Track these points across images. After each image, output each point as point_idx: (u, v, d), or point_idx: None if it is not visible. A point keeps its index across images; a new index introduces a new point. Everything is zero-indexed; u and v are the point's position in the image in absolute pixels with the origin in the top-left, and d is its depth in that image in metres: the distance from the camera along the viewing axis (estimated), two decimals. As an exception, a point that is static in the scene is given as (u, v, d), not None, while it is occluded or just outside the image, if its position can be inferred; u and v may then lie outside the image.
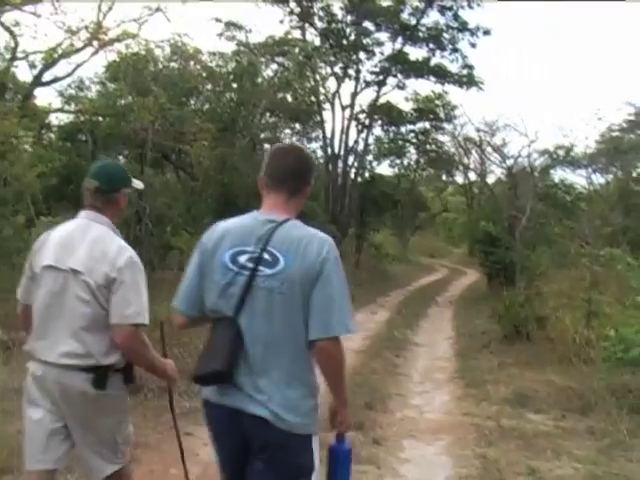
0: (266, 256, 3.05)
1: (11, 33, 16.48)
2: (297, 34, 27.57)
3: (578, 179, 43.84)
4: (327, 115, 29.14)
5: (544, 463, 6.58)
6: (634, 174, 35.57)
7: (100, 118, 18.62)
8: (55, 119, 21.11)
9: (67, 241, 3.67)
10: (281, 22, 28.30)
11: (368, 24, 28.67)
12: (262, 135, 22.84)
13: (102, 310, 3.57)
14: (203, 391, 3.25)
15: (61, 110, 19.78)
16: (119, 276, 3.55)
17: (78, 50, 16.41)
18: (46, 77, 17.11)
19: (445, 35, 28.58)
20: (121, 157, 22.32)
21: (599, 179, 38.38)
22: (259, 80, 20.18)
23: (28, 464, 3.74)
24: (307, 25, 28.50)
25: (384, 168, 37.18)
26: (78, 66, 17.11)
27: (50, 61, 16.17)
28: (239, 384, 3.06)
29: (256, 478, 3.14)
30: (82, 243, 3.63)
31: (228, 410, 3.11)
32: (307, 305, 3.00)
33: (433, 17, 28.76)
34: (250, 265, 3.07)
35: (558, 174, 28.31)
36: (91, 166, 3.93)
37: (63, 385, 3.58)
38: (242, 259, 3.09)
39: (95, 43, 16.46)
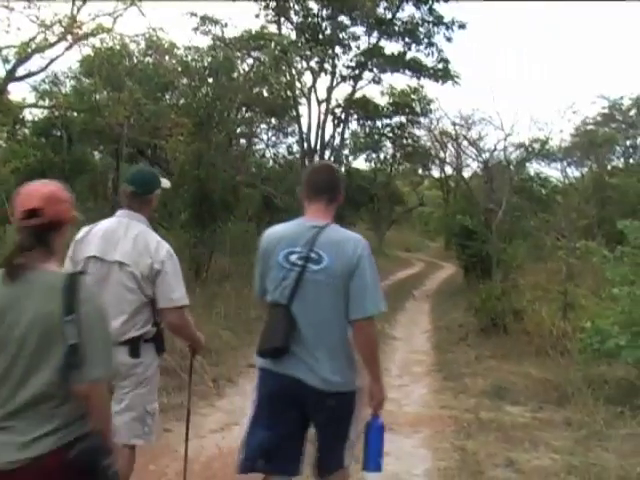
0: (312, 255, 3.80)
1: (-17, 27, 16.30)
2: (273, 28, 27.47)
3: (553, 172, 44.03)
4: (303, 109, 29.09)
5: (522, 454, 6.63)
6: (609, 167, 35.87)
7: (75, 113, 18.50)
8: (29, 114, 20.96)
9: (110, 236, 4.26)
10: (257, 16, 28.19)
11: (344, 18, 28.63)
12: (238, 130, 22.80)
13: (144, 297, 4.22)
14: (260, 362, 3.97)
15: (35, 105, 19.62)
16: (162, 267, 4.19)
17: (52, 44, 16.22)
18: (20, 72, 16.91)
19: (421, 29, 28.54)
20: (96, 152, 22.24)
21: (574, 172, 38.67)
22: (235, 75, 20.08)
23: None
24: (283, 19, 28.40)
25: (360, 162, 37.22)
26: (52, 61, 16.93)
27: (24, 56, 15.97)
28: (294, 357, 3.79)
29: (324, 433, 3.94)
30: (125, 239, 4.25)
31: (284, 378, 3.83)
32: (347, 293, 3.76)
33: (408, 11, 28.69)
34: (300, 263, 3.81)
35: (534, 167, 28.43)
36: (127, 172, 4.63)
37: None
38: (293, 258, 3.83)
39: (69, 37, 16.28)
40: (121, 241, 4.24)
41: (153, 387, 4.48)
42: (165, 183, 4.69)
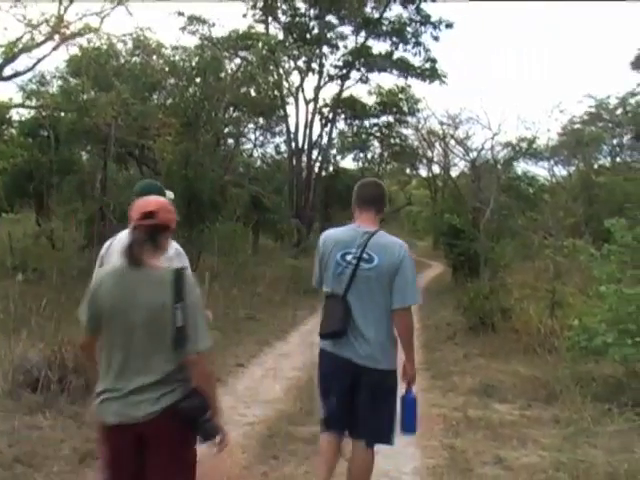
0: (365, 255, 4.64)
1: (-30, 27, 16.22)
2: (260, 28, 27.53)
3: (541, 171, 44.11)
4: (291, 109, 29.23)
5: (510, 452, 6.65)
6: (595, 166, 35.96)
7: (62, 113, 18.43)
8: (16, 114, 20.88)
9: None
10: (244, 16, 28.27)
11: (331, 18, 28.73)
12: (226, 130, 22.78)
13: None
14: (321, 344, 4.85)
15: (22, 105, 19.52)
16: (171, 264, 4.40)
17: (39, 44, 16.14)
18: (6, 72, 16.84)
19: (408, 29, 28.68)
20: (84, 153, 22.17)
21: (561, 171, 38.75)
22: (222, 74, 20.08)
23: None
24: (270, 19, 28.46)
25: (348, 162, 37.24)
26: (39, 60, 16.85)
27: (10, 55, 15.88)
28: (348, 340, 4.65)
29: (366, 401, 4.72)
30: None
31: (339, 358, 4.71)
32: (391, 287, 4.61)
33: (396, 10, 28.86)
34: (354, 262, 4.66)
35: (521, 166, 28.49)
36: (135, 186, 5.27)
37: None
38: (348, 257, 4.69)
39: (56, 37, 16.19)
40: None
41: None
42: (169, 194, 5.23)
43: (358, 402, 4.75)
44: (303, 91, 29.02)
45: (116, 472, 3.55)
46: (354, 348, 4.66)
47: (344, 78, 29.96)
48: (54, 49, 16.62)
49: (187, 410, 3.45)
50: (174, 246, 4.93)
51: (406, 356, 4.83)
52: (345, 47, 29.66)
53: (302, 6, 28.45)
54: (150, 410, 3.43)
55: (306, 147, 29.32)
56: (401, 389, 4.97)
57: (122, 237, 4.71)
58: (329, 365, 4.84)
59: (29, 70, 17.41)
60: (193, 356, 3.49)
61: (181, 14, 24.25)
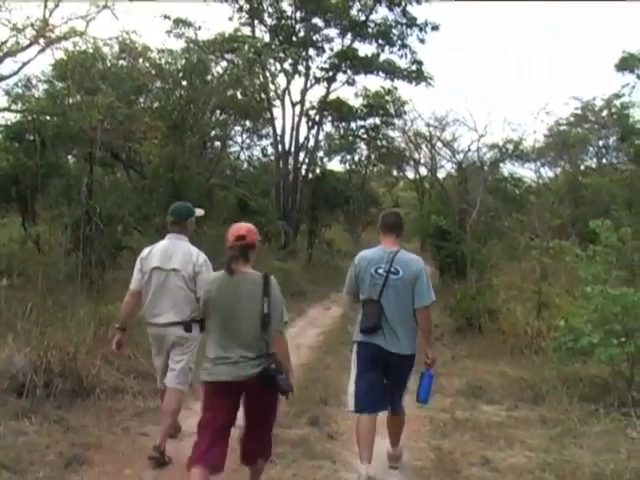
0: (392, 269, 6.10)
1: (-46, 31, 16.17)
2: (246, 31, 27.49)
3: (527, 172, 44.24)
4: (277, 112, 29.08)
5: (497, 453, 6.68)
6: (582, 167, 36.04)
7: (48, 117, 18.35)
8: (1, 118, 20.76)
9: (165, 252, 6.49)
10: (230, 19, 28.25)
11: (317, 20, 28.70)
12: (212, 133, 22.73)
13: (190, 292, 6.38)
14: (359, 337, 6.25)
15: (7, 109, 19.41)
16: (200, 270, 6.38)
17: (24, 48, 16.05)
18: (-8, 76, 16.78)
19: (394, 31, 28.64)
20: (70, 157, 22.07)
21: (548, 172, 38.81)
22: (209, 77, 19.99)
23: (160, 384, 6.69)
24: (256, 22, 28.44)
25: (335, 164, 37.15)
26: (24, 64, 16.75)
27: (-5, 59, 15.83)
28: (381, 333, 6.08)
29: (395, 380, 6.26)
30: (175, 253, 6.47)
31: (374, 347, 6.10)
32: (413, 291, 6.07)
33: (382, 13, 28.82)
34: (384, 274, 6.11)
35: (507, 168, 28.54)
36: (170, 207, 6.83)
37: (168, 334, 6.44)
38: (380, 271, 6.13)
39: (41, 41, 16.14)
40: (174, 255, 6.46)
41: (195, 352, 6.58)
42: (199, 212, 6.98)
43: (382, 381, 6.21)
44: (289, 93, 29.02)
45: (217, 412, 5.10)
46: (385, 339, 6.09)
47: (330, 80, 29.94)
48: (39, 53, 16.56)
49: (272, 372, 4.99)
50: (203, 256, 6.52)
51: (427, 343, 6.34)
52: (331, 49, 29.62)
53: (288, 9, 28.42)
54: (251, 372, 5.02)
55: (293, 149, 29.29)
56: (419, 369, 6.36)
57: (160, 245, 6.61)
58: (367, 353, 6.20)
59: (14, 74, 17.32)
60: (275, 334, 5.13)
61: (167, 17, 24.21)
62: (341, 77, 30.33)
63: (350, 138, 34.59)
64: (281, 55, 27.31)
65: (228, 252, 5.21)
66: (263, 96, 26.83)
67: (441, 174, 33.96)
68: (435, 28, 28.54)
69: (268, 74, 27.13)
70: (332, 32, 29.28)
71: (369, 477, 5.76)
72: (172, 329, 6.40)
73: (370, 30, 28.77)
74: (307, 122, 30.34)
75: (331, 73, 29.85)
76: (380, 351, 6.09)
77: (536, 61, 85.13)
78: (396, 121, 33.04)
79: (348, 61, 29.53)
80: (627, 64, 20.99)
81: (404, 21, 28.40)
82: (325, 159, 35.56)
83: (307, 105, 30.00)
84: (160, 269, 6.42)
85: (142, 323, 7.76)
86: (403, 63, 29.30)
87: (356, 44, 29.48)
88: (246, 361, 5.04)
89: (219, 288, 5.19)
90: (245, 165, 33.21)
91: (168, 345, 6.48)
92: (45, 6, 15.78)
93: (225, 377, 5.05)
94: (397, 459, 6.56)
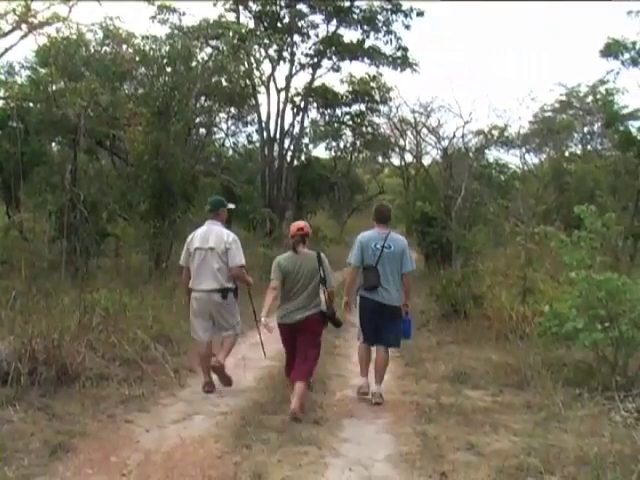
0: (386, 245, 8.27)
1: None
2: (231, 17, 27.39)
3: (512, 159, 44.40)
4: (262, 98, 29.05)
5: (482, 437, 6.70)
6: (566, 153, 36.14)
7: (31, 104, 18.23)
8: (-16, 105, 20.60)
9: (203, 235, 8.47)
10: (215, 5, 28.09)
11: (302, 6, 28.58)
12: (197, 119, 22.62)
13: (224, 264, 8.32)
14: (362, 292, 8.40)
15: (-10, 96, 19.30)
16: (229, 246, 8.34)
17: (6, 34, 15.99)
18: (-26, 62, 16.67)
19: (379, 17, 28.58)
20: (54, 144, 21.94)
21: (533, 159, 38.91)
22: (193, 64, 19.86)
23: (198, 338, 8.59)
24: (241, 8, 28.31)
25: (320, 151, 37.27)
26: (7, 50, 16.70)
27: (-23, 45, 15.71)
28: (380, 290, 8.21)
29: (388, 325, 8.28)
30: (211, 235, 8.42)
31: (373, 301, 8.26)
32: (400, 261, 8.29)
33: (367, -2, 28.73)
34: (380, 248, 8.26)
35: (493, 154, 28.60)
36: (208, 200, 9.04)
37: (210, 299, 8.34)
38: (377, 246, 8.28)
39: (24, 26, 16.06)
40: (210, 237, 8.45)
41: (235, 312, 8.65)
42: (230, 205, 9.10)
43: (381, 325, 8.35)
44: (274, 80, 28.99)
45: (287, 344, 8.02)
46: (381, 295, 8.31)
47: (315, 67, 29.90)
48: (22, 38, 16.47)
49: (328, 313, 7.90)
50: (232, 236, 8.53)
51: (407, 298, 8.57)
52: (316, 36, 29.58)
53: (272, -5, 28.32)
54: (308, 314, 7.80)
55: (278, 136, 29.27)
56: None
57: (201, 230, 8.59)
58: (367, 305, 8.41)
59: (-4, 60, 17.22)
60: (329, 289, 7.93)
61: (151, 3, 24.05)
62: (326, 63, 30.36)
63: (335, 125, 34.60)
64: (266, 41, 27.22)
65: (292, 239, 8.04)
66: (248, 82, 26.74)
67: (426, 160, 34.01)
68: (420, 14, 28.51)
69: (253, 60, 27.05)
70: (317, 18, 29.23)
71: (368, 383, 8.43)
72: (212, 295, 8.36)
73: (355, 16, 28.70)
74: (292, 109, 30.36)
75: (316, 59, 29.81)
76: (377, 304, 8.31)
77: (521, 47, 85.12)
78: (381, 108, 33.13)
79: (333, 47, 29.51)
80: (612, 50, 20.90)
81: (389, 7, 28.33)
82: (310, 146, 35.65)
83: (292, 92, 30.04)
84: (200, 249, 8.42)
85: (127, 312, 10.16)
86: (388, 49, 29.30)
87: (341, 30, 29.46)
88: (304, 308, 7.82)
89: (289, 262, 7.91)
90: (230, 152, 33.15)
91: (210, 308, 8.42)
92: (27, -9, 15.65)
93: (290, 321, 7.85)
94: (379, 396, 8.21)
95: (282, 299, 7.89)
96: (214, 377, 8.53)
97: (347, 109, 33.77)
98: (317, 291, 7.81)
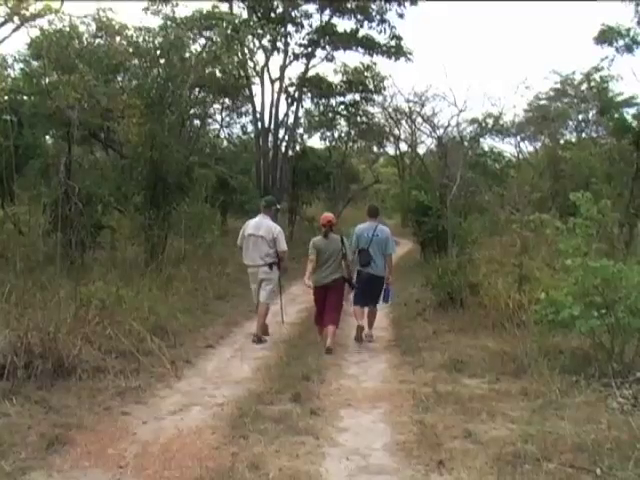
0: (376, 233, 11.61)
1: None
2: (224, 7, 27.26)
3: (507, 147, 44.32)
4: (256, 89, 28.98)
5: (480, 425, 6.70)
6: (561, 141, 36.18)
7: (24, 97, 18.18)
8: (-24, 99, 20.53)
9: (256, 225, 11.31)
10: (207, -5, 27.96)
11: (296, -5, 28.50)
12: (191, 111, 22.55)
13: (271, 249, 11.24)
14: (360, 268, 11.56)
15: (-17, 89, 19.22)
16: (277, 236, 11.25)
17: (-2, 26, 15.93)
18: (-34, 55, 16.59)
19: (373, 6, 28.50)
20: (48, 136, 21.89)
21: (528, 147, 38.99)
22: (187, 55, 19.80)
23: (255, 300, 11.50)
24: (234, -2, 28.21)
25: (315, 141, 37.23)
26: (-1, 42, 16.64)
27: (-31, 38, 15.64)
28: (372, 264, 11.49)
29: (375, 290, 11.63)
30: (262, 226, 11.25)
31: (367, 273, 11.52)
32: (385, 246, 11.66)
33: (360, -13, 28.63)
34: (371, 236, 11.56)
35: (487, 143, 28.59)
36: (262, 198, 12.78)
37: (260, 271, 11.24)
38: (369, 234, 11.58)
39: (16, 19, 15.98)
40: (262, 226, 11.19)
41: (276, 283, 11.55)
42: (279, 206, 14.63)
43: (370, 290, 11.49)
44: (268, 70, 28.91)
45: (318, 301, 11.08)
46: (372, 268, 11.42)
47: (309, 57, 29.83)
48: (14, 31, 16.40)
49: (347, 278, 11.18)
50: (278, 228, 11.43)
51: (389, 271, 11.70)
52: (310, 25, 29.48)
53: (266, -15, 28.22)
54: (334, 278, 10.97)
55: (272, 127, 29.22)
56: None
57: (254, 221, 11.49)
58: (363, 276, 11.47)
59: (-11, 53, 17.13)
60: (346, 261, 11.09)
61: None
62: (320, 53, 30.25)
63: (330, 114, 34.48)
64: (259, 32, 27.11)
65: (322, 228, 11.17)
66: (242, 73, 26.68)
67: (421, 150, 34.03)
68: (414, 2, 28.42)
69: (246, 51, 26.98)
70: (311, 8, 29.16)
71: (363, 325, 11.43)
72: (261, 268, 11.25)
73: (349, 5, 28.63)
74: (286, 99, 30.28)
75: (310, 49, 29.73)
76: (369, 275, 11.46)
77: (515, 35, 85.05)
78: (376, 97, 33.01)
79: (327, 37, 29.42)
80: (606, 37, 20.94)
81: (383, -4, 28.25)
82: (305, 136, 35.57)
83: (286, 82, 29.93)
84: (254, 235, 11.25)
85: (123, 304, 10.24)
86: (382, 38, 29.23)
87: (335, 20, 29.37)
88: (331, 274, 10.98)
89: (321, 243, 11.03)
90: (225, 143, 33.12)
91: (259, 279, 11.29)
92: (19, -17, 15.58)
93: (320, 284, 11.00)
94: (371, 337, 11.62)
95: (316, 269, 11.00)
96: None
97: (341, 99, 33.67)
98: (340, 263, 11.04)
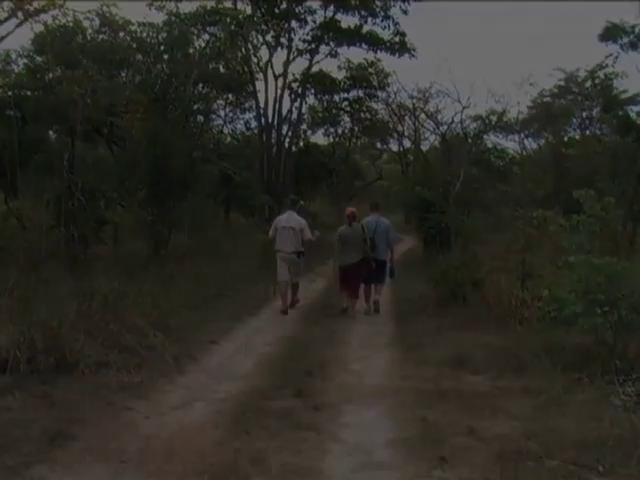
0: (379, 224, 14.07)
1: None
2: (228, 3, 27.21)
3: (511, 144, 44.30)
4: (260, 85, 28.97)
5: (482, 422, 6.68)
6: (565, 138, 36.10)
7: (28, 92, 18.19)
8: (-20, 94, 20.53)
9: (287, 218, 13.85)
10: (212, -9, 27.93)
11: (300, -9, 28.47)
12: (195, 106, 22.57)
13: (298, 238, 13.67)
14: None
15: (-13, 84, 19.26)
16: (303, 227, 13.74)
17: (2, 22, 15.91)
18: (-29, 51, 16.61)
19: (377, 2, 28.47)
20: (51, 132, 21.91)
21: (531, 144, 38.91)
22: (190, 50, 19.83)
23: (279, 278, 13.79)
24: (238, -6, 28.17)
25: (318, 137, 37.21)
26: (3, 38, 16.62)
27: (-26, 34, 15.65)
28: (377, 250, 13.84)
29: (380, 271, 13.97)
30: (291, 219, 13.79)
31: (373, 257, 13.73)
32: (387, 235, 14.13)
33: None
34: (375, 226, 13.95)
35: (491, 139, 28.58)
36: (289, 197, 15.47)
37: (289, 258, 13.64)
38: (373, 226, 13.95)
39: (20, 14, 15.99)
40: (291, 220, 13.72)
41: (302, 267, 14.24)
42: (301, 203, 16.41)
43: (376, 270, 13.66)
44: (272, 66, 28.90)
45: (343, 279, 13.62)
46: (378, 253, 13.71)
47: (313, 53, 29.82)
48: (18, 26, 16.40)
49: (368, 258, 13.53)
50: (304, 221, 13.81)
51: (391, 255, 14.15)
52: (314, 21, 29.49)
53: (270, -20, 28.19)
54: (357, 259, 13.49)
55: (276, 122, 29.21)
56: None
57: (284, 216, 13.95)
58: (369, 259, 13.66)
59: (-6, 48, 17.16)
60: (366, 247, 13.55)
61: (148, -10, 23.94)
62: (324, 49, 30.26)
63: (333, 111, 34.52)
64: (263, 27, 27.14)
65: (347, 218, 13.73)
66: (245, 69, 26.69)
67: (425, 146, 33.99)
68: (418, -1, 28.37)
69: (250, 47, 26.98)
70: (314, 4, 29.14)
71: (370, 307, 13.95)
72: (291, 255, 13.52)
73: (353, 1, 28.58)
74: (290, 95, 30.28)
75: (314, 45, 29.72)
76: (374, 259, 13.55)
77: (520, 32, 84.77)
78: (379, 93, 33.10)
79: (331, 33, 29.41)
80: (611, 34, 20.89)
81: (387, -9, 28.22)
82: (308, 132, 35.58)
83: (290, 78, 29.97)
84: (285, 227, 13.54)
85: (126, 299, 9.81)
86: (386, 35, 29.21)
87: (339, 16, 29.35)
88: (355, 256, 13.31)
89: (346, 231, 13.50)
90: (228, 139, 33.13)
91: (289, 263, 13.53)
92: (23, -22, 15.58)
93: (347, 263, 13.36)
94: (378, 302, 13.89)
95: (342, 252, 13.54)
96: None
97: (345, 95, 33.73)
98: (360, 247, 13.40)
